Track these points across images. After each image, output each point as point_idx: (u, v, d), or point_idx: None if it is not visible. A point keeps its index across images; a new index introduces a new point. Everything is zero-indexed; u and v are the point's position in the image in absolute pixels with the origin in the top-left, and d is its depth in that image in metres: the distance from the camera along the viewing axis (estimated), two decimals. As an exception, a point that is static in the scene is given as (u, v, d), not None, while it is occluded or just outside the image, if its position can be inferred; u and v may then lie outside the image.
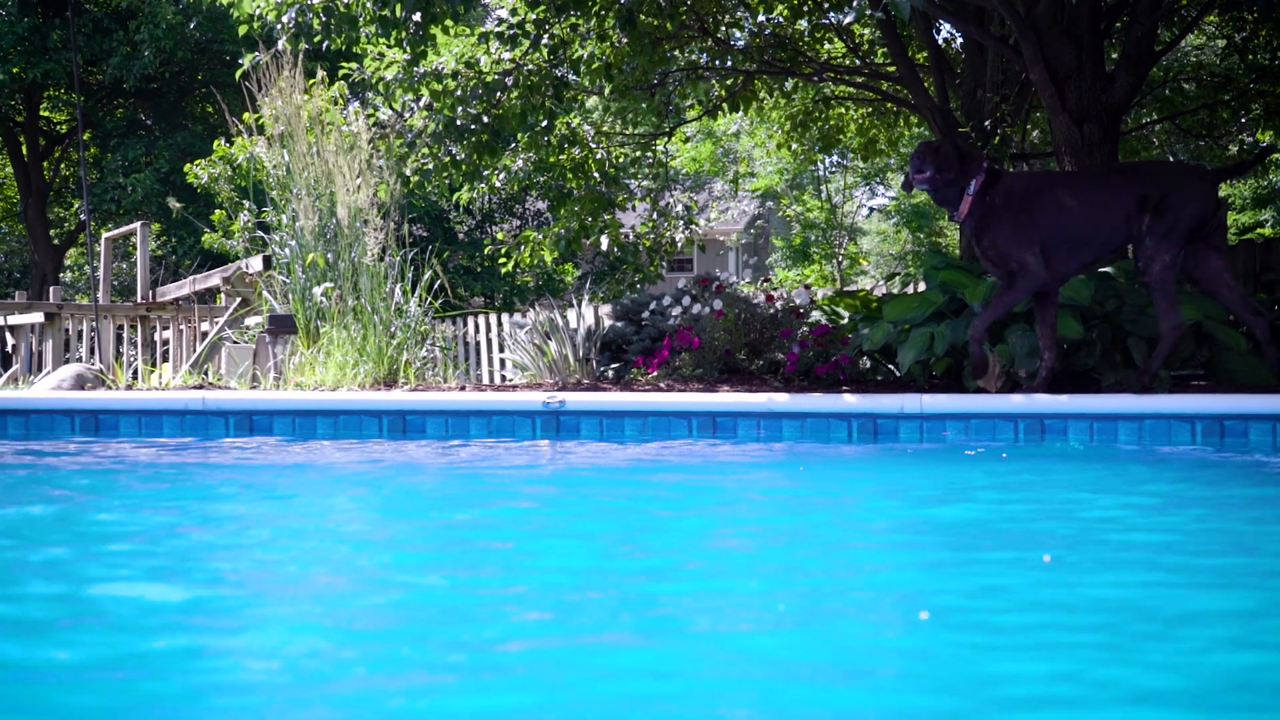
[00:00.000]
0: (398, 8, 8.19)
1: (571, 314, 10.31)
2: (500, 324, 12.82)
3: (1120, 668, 1.97)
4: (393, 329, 7.19)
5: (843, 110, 14.61)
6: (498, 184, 12.20)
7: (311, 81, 8.54)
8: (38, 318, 11.70)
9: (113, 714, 1.78)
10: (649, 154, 13.32)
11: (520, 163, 11.99)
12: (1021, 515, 3.58)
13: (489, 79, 9.70)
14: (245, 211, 13.01)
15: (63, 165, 25.75)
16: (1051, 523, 3.42)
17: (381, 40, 9.49)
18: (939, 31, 12.72)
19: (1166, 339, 5.59)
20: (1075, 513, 3.60)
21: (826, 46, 13.43)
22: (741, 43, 12.05)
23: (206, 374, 9.05)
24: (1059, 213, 5.76)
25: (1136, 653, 2.06)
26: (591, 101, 14.39)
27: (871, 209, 35.24)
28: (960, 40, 12.44)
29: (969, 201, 5.78)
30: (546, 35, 9.54)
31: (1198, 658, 2.04)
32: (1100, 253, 5.82)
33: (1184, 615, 2.31)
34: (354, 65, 10.28)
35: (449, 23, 9.08)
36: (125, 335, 12.15)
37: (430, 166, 10.44)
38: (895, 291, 7.46)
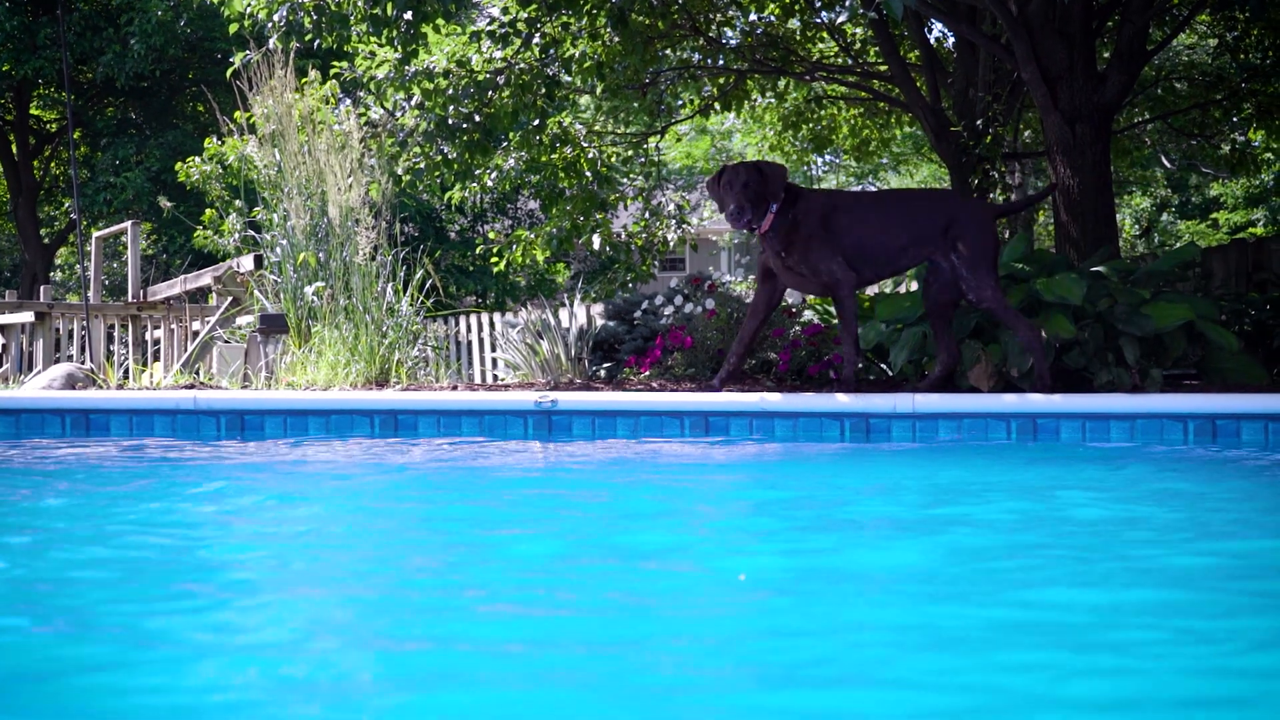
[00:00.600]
0: (389, 6, 8.18)
1: (564, 313, 10.31)
2: (492, 323, 12.81)
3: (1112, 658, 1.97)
4: (384, 328, 7.17)
5: (834, 110, 14.62)
6: (489, 183, 12.19)
7: (304, 80, 8.53)
8: (28, 317, 11.66)
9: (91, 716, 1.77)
10: (641, 154, 13.32)
11: (512, 162, 11.98)
12: (1000, 514, 3.58)
13: (480, 78, 9.69)
14: (234, 211, 13.00)
15: (53, 164, 25.68)
16: (1037, 518, 3.42)
17: (373, 39, 9.48)
18: (931, 31, 12.73)
19: (1036, 351, 5.78)
20: (1060, 510, 3.60)
21: (819, 46, 13.43)
22: (733, 42, 12.05)
23: (198, 373, 9.03)
24: (846, 234, 6.01)
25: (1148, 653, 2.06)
26: (583, 100, 14.39)
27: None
28: (952, 39, 12.45)
29: (771, 219, 5.96)
30: (538, 34, 9.53)
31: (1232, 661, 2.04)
32: (881, 274, 6.12)
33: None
34: (345, 64, 10.27)
35: (440, 21, 9.07)
36: (116, 334, 12.12)
37: (422, 165, 10.43)
38: (887, 291, 7.47)
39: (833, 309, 7.70)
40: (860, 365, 7.05)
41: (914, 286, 7.79)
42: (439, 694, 1.85)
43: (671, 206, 14.38)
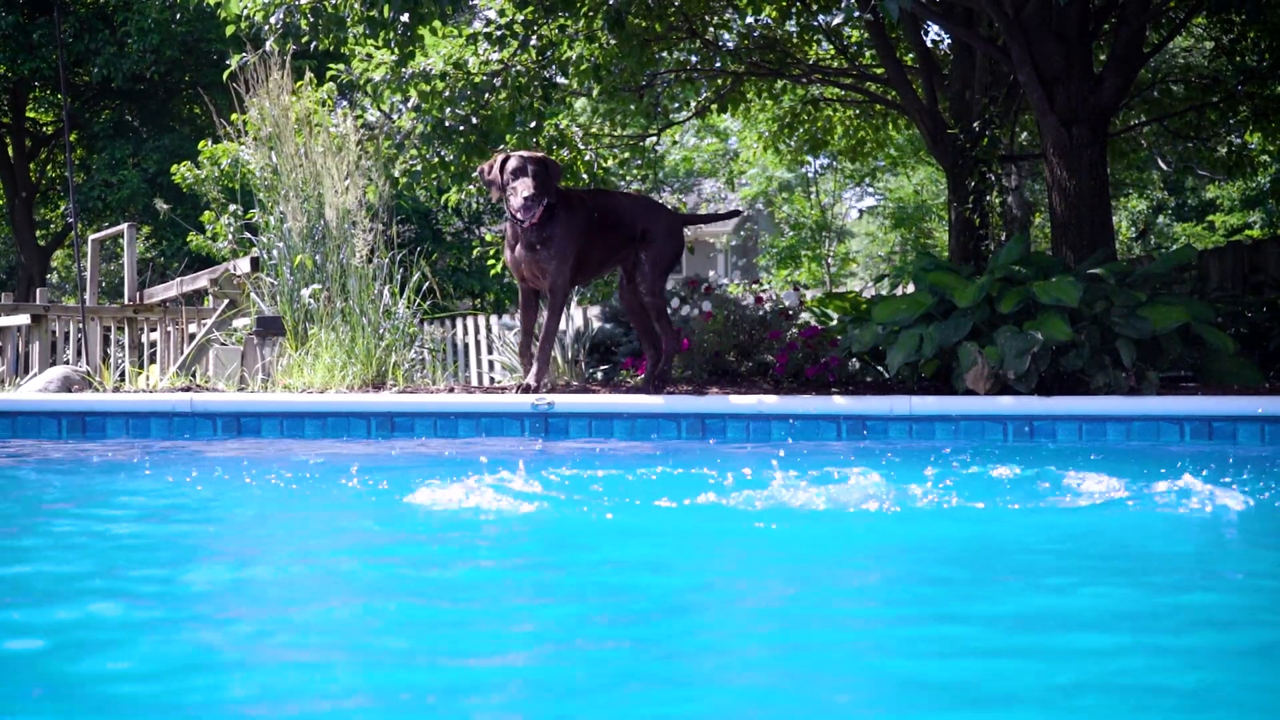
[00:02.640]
0: (385, 8, 8.17)
1: (560, 315, 10.29)
2: (489, 326, 12.81)
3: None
4: (381, 330, 7.17)
5: (830, 112, 14.62)
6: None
7: (300, 83, 8.52)
8: (24, 319, 11.64)
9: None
10: (638, 156, 13.32)
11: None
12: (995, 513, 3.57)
13: (477, 80, 9.68)
14: (229, 215, 12.99)
15: (49, 166, 25.66)
16: (1030, 520, 3.42)
17: (369, 41, 9.47)
18: (927, 33, 12.74)
19: (669, 352, 6.52)
20: (1052, 509, 3.60)
21: (815, 49, 13.43)
22: (730, 44, 12.06)
23: (194, 376, 9.02)
24: (583, 235, 6.34)
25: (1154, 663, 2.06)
26: (580, 103, 14.38)
27: (861, 211, 35.25)
28: (948, 42, 12.46)
29: (540, 211, 6.18)
30: (535, 36, 9.54)
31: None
32: (591, 277, 6.70)
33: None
34: (342, 67, 10.26)
35: (437, 24, 9.07)
36: (112, 337, 12.11)
37: (419, 168, 10.42)
38: (884, 293, 7.48)
39: (829, 311, 7.69)
40: (857, 366, 7.06)
41: (911, 288, 7.79)
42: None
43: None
